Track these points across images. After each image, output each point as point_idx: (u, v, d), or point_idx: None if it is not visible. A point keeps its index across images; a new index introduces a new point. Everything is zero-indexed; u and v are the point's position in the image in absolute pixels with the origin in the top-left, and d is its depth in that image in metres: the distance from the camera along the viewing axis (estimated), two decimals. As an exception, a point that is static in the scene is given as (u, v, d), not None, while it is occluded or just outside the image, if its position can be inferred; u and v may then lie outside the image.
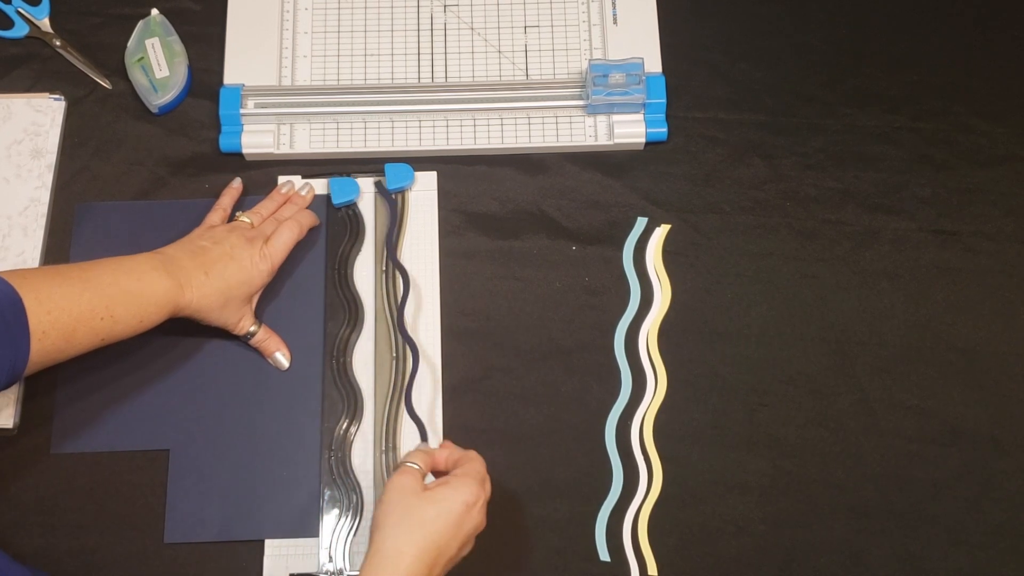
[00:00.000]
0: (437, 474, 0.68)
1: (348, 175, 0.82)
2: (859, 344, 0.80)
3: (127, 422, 0.75)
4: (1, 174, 0.81)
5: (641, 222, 0.83)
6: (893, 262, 0.82)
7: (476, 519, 0.63)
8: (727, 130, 0.86)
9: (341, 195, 0.81)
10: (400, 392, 0.77)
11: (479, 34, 0.88)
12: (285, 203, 0.80)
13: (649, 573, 0.74)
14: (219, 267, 0.71)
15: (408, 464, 0.65)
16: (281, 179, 0.82)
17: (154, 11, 0.86)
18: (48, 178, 0.82)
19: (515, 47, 0.88)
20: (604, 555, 0.74)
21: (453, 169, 0.84)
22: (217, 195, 0.81)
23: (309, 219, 0.80)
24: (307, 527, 0.73)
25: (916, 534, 0.75)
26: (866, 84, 0.88)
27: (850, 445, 0.77)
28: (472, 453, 0.67)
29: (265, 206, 0.79)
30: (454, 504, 0.61)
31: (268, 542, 0.73)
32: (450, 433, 0.76)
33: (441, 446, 0.69)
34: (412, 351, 0.76)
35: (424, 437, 0.74)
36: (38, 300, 0.62)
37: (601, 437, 0.77)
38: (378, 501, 0.63)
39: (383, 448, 0.76)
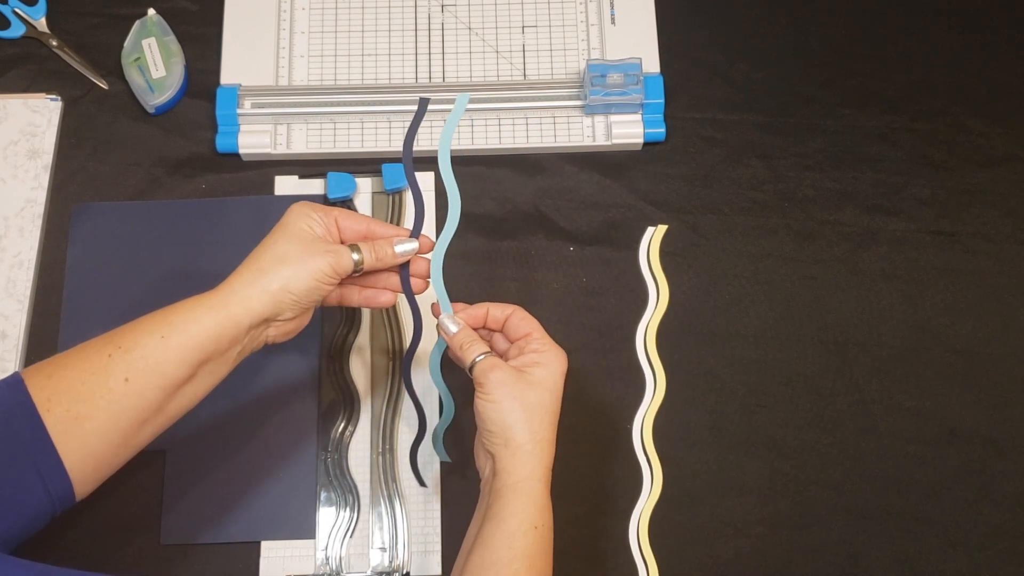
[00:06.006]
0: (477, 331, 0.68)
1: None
2: (857, 345, 0.80)
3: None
4: (-3, 174, 0.82)
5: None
6: (892, 263, 0.82)
7: None
8: (725, 130, 0.86)
9: (337, 190, 0.81)
10: (396, 395, 0.77)
11: (477, 34, 0.88)
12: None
13: (648, 574, 0.74)
14: None
15: (483, 356, 0.64)
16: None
17: (151, 11, 0.86)
18: (44, 179, 0.82)
19: (513, 47, 0.87)
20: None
21: (450, 169, 0.84)
22: (213, 195, 0.80)
23: None
24: (303, 529, 0.73)
25: (914, 535, 0.75)
26: (865, 85, 0.88)
27: (848, 446, 0.77)
28: (519, 310, 0.67)
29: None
30: (557, 379, 0.64)
31: (264, 544, 0.73)
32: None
33: (475, 307, 0.68)
34: (415, 318, 0.69)
35: (422, 420, 0.73)
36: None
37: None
38: (481, 399, 0.63)
39: (380, 450, 0.75)
